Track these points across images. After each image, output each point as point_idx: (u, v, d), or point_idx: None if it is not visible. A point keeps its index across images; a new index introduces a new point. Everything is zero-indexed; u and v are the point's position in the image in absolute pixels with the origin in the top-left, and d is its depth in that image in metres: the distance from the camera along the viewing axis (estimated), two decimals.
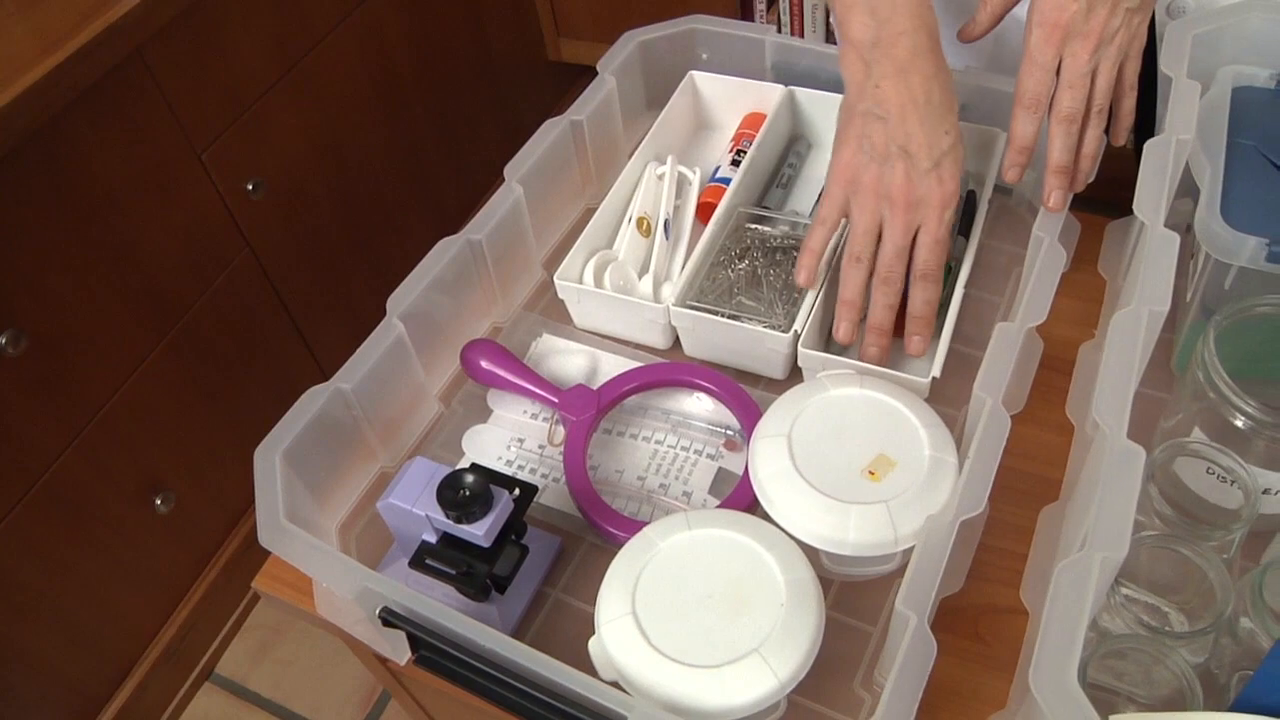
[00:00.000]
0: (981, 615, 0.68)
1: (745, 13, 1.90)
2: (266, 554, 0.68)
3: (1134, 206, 0.65)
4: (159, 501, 1.45)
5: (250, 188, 1.51)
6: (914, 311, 0.74)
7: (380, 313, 0.74)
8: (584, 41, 2.09)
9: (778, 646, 0.57)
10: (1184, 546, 0.62)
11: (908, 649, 0.54)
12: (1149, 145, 0.69)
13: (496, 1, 1.99)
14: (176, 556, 1.55)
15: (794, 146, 0.95)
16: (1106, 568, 0.48)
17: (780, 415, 0.67)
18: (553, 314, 0.87)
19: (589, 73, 0.93)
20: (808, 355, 0.74)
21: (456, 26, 1.91)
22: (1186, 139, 0.69)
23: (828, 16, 1.83)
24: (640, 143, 0.91)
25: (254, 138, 1.50)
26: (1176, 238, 0.63)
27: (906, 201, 0.70)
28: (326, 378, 0.70)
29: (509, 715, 0.62)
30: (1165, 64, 0.75)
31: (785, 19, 1.91)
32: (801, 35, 1.91)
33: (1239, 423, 0.65)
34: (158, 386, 1.42)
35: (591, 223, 0.84)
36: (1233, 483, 0.65)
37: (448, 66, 1.91)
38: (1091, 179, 0.76)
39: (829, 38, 1.90)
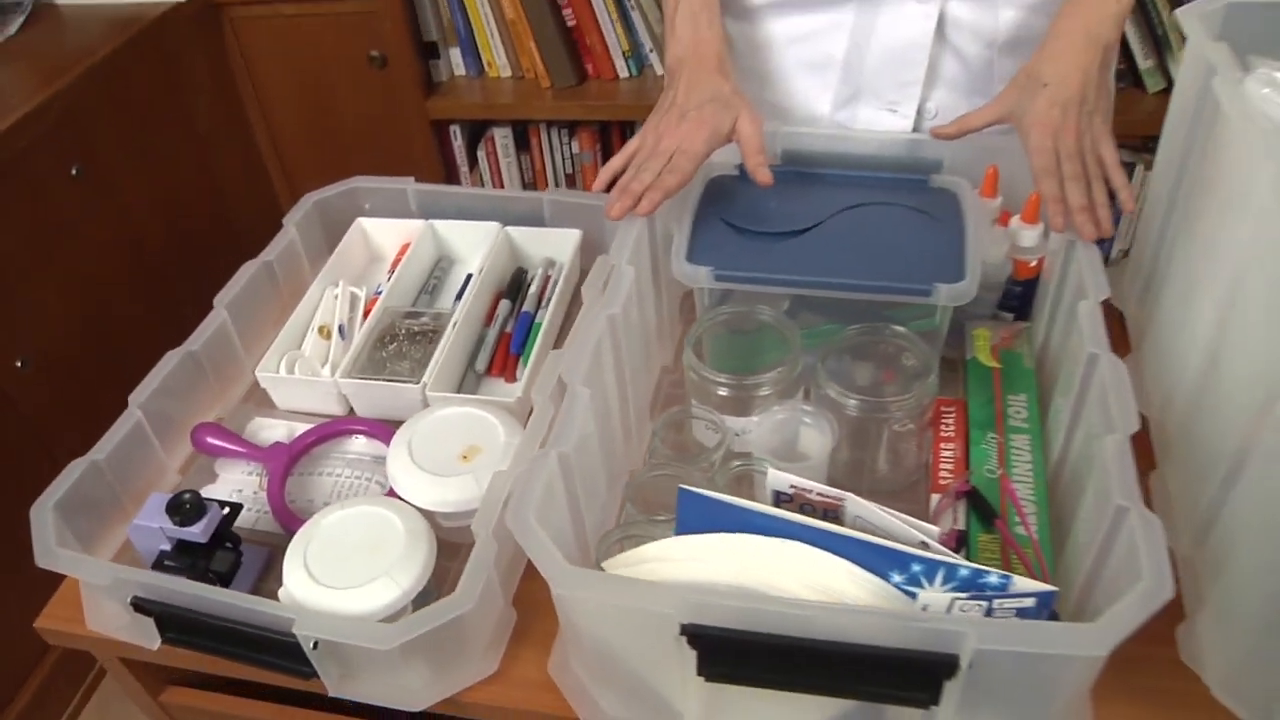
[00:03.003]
0: None
1: (450, 170, 2.27)
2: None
3: (610, 252, 1.00)
4: None
5: (19, 364, 1.74)
6: None
7: None
8: None
9: (399, 570, 0.87)
10: (677, 471, 0.95)
11: (476, 552, 0.85)
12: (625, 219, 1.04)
13: (232, 170, 2.29)
14: None
15: (439, 263, 1.29)
16: (562, 460, 0.81)
17: (405, 429, 0.99)
18: (266, 402, 1.16)
19: None
20: (433, 396, 1.06)
21: (199, 197, 2.20)
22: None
23: (517, 151, 2.24)
24: (321, 272, 1.23)
25: (19, 317, 1.73)
26: (632, 270, 0.98)
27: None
28: None
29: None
30: None
31: (486, 176, 2.29)
32: (503, 186, 2.29)
33: (722, 391, 1.00)
34: None
35: (283, 331, 1.15)
36: (713, 428, 0.99)
37: (194, 232, 2.17)
38: (1109, 230, 0.96)
39: (525, 185, 2.30)
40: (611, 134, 2.20)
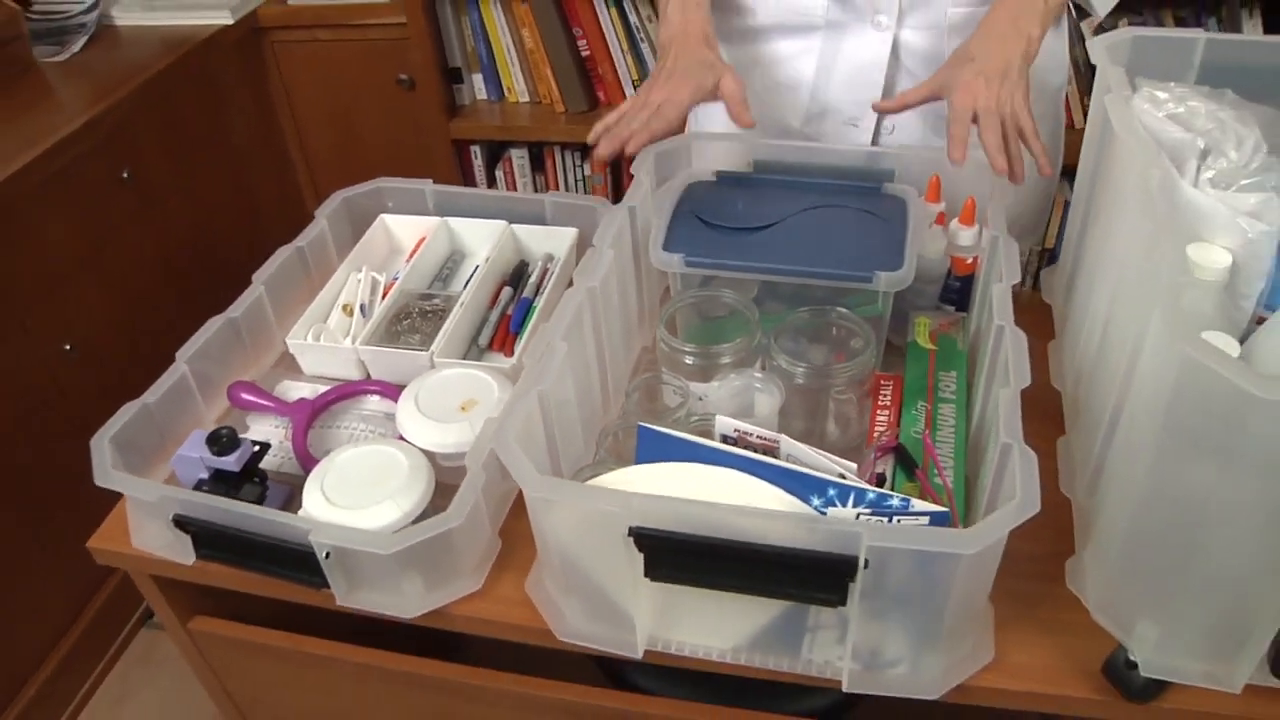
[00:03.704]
0: None
1: (467, 176, 2.44)
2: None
3: (593, 240, 1.15)
4: None
5: (68, 348, 1.91)
6: None
7: None
8: None
9: (401, 494, 1.02)
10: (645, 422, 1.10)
11: (467, 480, 0.99)
12: (612, 209, 1.19)
13: (266, 182, 2.48)
14: None
15: (452, 255, 1.45)
16: (540, 396, 0.96)
17: (414, 385, 1.15)
18: (294, 368, 1.32)
19: None
20: (440, 362, 1.21)
21: (234, 207, 2.40)
22: (634, 206, 1.20)
23: (532, 171, 2.41)
24: (346, 259, 1.39)
25: (71, 305, 1.91)
26: (612, 252, 1.13)
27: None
28: None
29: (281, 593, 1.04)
30: (636, 168, 1.26)
31: (501, 182, 2.46)
32: (516, 189, 2.46)
33: (688, 360, 1.14)
34: None
35: (311, 307, 1.31)
36: (679, 392, 1.14)
37: (227, 241, 2.37)
38: (1020, 176, 1.11)
39: (536, 188, 2.46)
40: (621, 157, 2.36)
